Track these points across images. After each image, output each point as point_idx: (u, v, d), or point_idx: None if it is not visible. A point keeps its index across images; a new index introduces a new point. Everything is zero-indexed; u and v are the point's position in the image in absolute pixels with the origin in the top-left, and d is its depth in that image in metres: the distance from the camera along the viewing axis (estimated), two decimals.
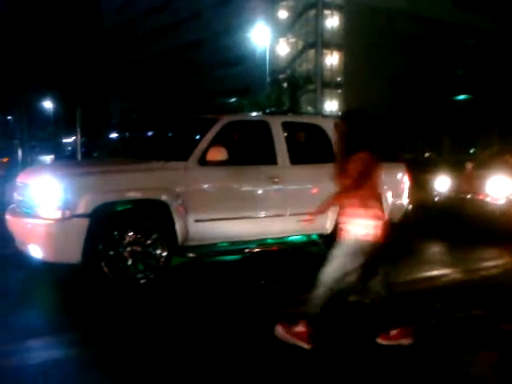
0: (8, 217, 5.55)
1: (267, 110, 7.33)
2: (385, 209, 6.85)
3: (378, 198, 3.86)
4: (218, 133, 5.76)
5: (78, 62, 30.33)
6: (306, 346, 3.73)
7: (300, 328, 3.76)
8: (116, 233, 5.06)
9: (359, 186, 3.72)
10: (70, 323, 4.29)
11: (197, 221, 5.45)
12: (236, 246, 5.90)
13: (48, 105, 39.33)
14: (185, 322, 4.32)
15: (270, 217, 5.99)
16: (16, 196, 5.64)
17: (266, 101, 26.50)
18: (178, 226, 5.35)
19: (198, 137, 5.87)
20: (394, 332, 3.85)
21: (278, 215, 6.03)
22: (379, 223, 3.75)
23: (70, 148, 29.17)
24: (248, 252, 6.02)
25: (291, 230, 6.24)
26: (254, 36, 30.56)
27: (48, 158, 23.34)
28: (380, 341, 3.87)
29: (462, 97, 25.52)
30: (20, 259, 5.46)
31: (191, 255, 5.60)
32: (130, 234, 5.12)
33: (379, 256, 3.85)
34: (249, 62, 37.19)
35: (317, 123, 6.84)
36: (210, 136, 5.71)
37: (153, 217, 5.29)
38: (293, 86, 30.45)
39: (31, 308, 4.72)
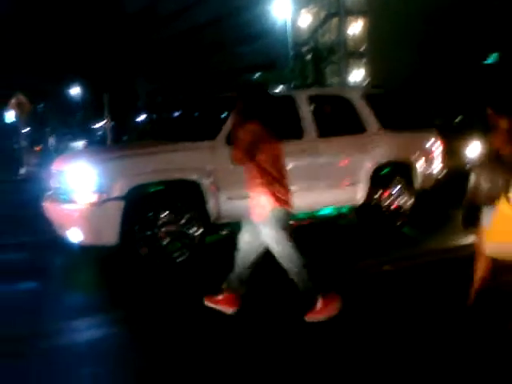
0: (46, 204, 5.71)
1: (292, 85, 7.29)
2: (416, 176, 6.85)
3: (277, 168, 3.86)
4: None
5: (102, 46, 30.54)
6: (336, 312, 3.79)
7: (319, 304, 3.81)
8: (150, 214, 5.17)
9: (252, 157, 3.76)
10: (111, 303, 4.44)
11: (229, 198, 5.51)
12: None
13: (75, 91, 39.85)
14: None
15: (301, 191, 5.99)
16: (52, 183, 5.79)
17: (291, 74, 26.21)
18: (210, 205, 5.42)
19: (224, 115, 5.90)
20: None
21: (309, 189, 6.03)
22: (282, 190, 3.80)
23: (99, 133, 29.58)
24: None
25: (322, 203, 6.25)
26: (275, 9, 30.09)
27: (80, 144, 23.74)
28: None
29: (491, 60, 24.71)
30: (60, 244, 5.64)
31: (224, 232, 5.69)
32: (164, 214, 5.23)
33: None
34: (272, 36, 36.70)
35: (342, 95, 6.78)
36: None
37: (185, 197, 5.38)
38: (316, 57, 29.95)
39: (74, 290, 4.90)
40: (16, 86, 19.57)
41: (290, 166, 5.98)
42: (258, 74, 30.31)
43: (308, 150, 6.01)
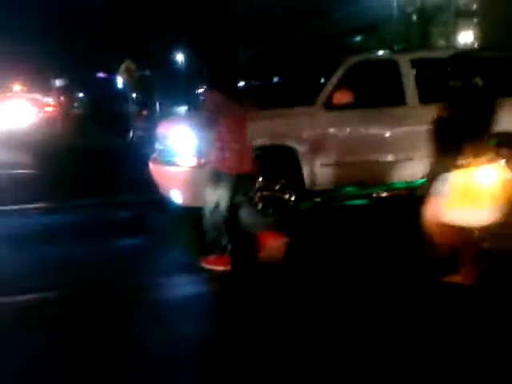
0: (151, 165, 6.05)
1: (395, 48, 7.01)
2: None
3: (235, 135, 4.13)
4: (344, 75, 5.66)
5: (202, 12, 31.02)
6: (225, 268, 4.19)
7: (214, 256, 4.23)
8: None
9: (214, 122, 4.14)
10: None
11: (324, 165, 5.49)
12: (364, 190, 5.88)
13: (180, 58, 40.99)
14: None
15: (399, 160, 5.83)
16: (157, 146, 6.11)
17: (395, 37, 24.98)
18: (305, 171, 5.44)
19: (323, 80, 5.83)
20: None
21: (407, 158, 5.84)
22: (234, 156, 4.09)
23: (201, 99, 30.13)
24: (376, 197, 5.96)
25: (420, 174, 6.02)
26: None
27: (183, 109, 24.47)
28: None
29: None
30: (163, 203, 5.95)
31: (318, 200, 5.70)
32: (260, 179, 5.33)
33: (248, 187, 4.38)
34: None
35: (448, 57, 6.39)
36: (335, 79, 5.64)
37: (280, 162, 5.44)
38: (423, 18, 28.19)
39: (174, 248, 5.14)
40: (126, 53, 20.55)
41: (388, 134, 5.85)
42: (358, 38, 29.18)
43: (410, 118, 5.80)
